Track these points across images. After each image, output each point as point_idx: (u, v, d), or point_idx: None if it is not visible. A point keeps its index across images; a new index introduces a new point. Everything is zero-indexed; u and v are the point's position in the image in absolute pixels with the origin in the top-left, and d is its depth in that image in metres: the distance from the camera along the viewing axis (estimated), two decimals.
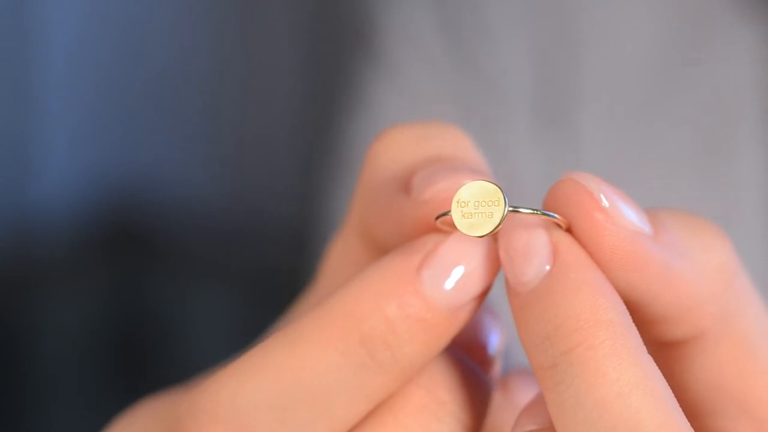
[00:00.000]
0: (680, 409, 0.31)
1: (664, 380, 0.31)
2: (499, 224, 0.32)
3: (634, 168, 0.66)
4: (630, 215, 0.33)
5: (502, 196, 0.32)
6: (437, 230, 0.34)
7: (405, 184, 0.35)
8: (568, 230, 0.33)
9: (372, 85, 0.74)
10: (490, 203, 0.32)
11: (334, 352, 0.32)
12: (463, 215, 0.33)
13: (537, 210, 0.33)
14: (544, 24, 0.69)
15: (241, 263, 1.25)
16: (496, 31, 0.70)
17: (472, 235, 0.32)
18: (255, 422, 0.33)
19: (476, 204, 0.33)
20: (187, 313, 1.20)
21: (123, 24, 1.27)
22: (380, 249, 0.36)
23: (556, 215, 0.33)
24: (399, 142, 0.36)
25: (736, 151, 0.65)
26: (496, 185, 0.33)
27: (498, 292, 0.35)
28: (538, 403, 0.33)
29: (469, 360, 0.35)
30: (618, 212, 0.32)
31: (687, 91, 0.66)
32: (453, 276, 0.33)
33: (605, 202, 0.32)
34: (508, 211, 0.32)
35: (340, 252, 0.38)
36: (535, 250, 0.32)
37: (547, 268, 0.32)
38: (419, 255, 0.33)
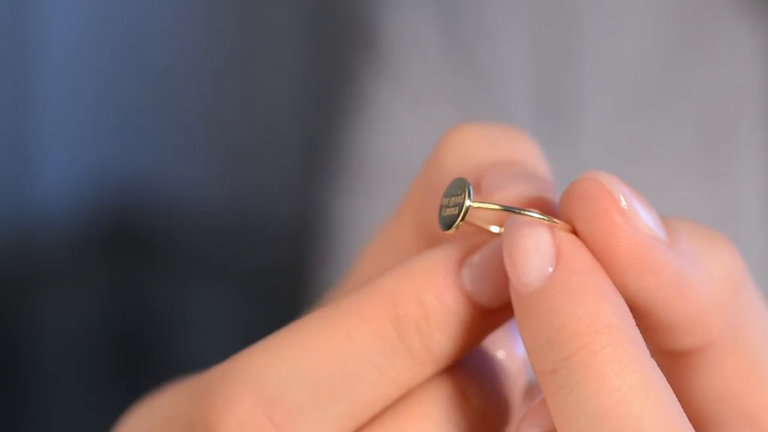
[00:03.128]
0: (685, 416, 0.31)
1: (669, 387, 0.31)
2: (459, 220, 0.32)
3: (634, 168, 0.66)
4: (647, 219, 0.32)
5: (466, 191, 0.32)
6: (485, 231, 0.34)
7: (474, 184, 0.35)
8: (573, 231, 0.33)
9: (372, 85, 0.74)
10: (458, 199, 0.33)
11: (368, 332, 0.33)
12: (442, 211, 0.33)
13: (505, 207, 0.33)
14: (545, 24, 0.69)
15: (241, 263, 1.25)
16: (496, 32, 0.70)
17: (443, 230, 0.33)
18: (284, 394, 0.33)
19: (450, 200, 0.33)
20: (187, 313, 1.20)
21: (123, 24, 1.27)
22: (434, 242, 0.36)
23: (542, 216, 0.32)
24: (469, 141, 0.36)
25: (736, 152, 0.65)
26: (465, 181, 0.33)
27: None
28: (541, 406, 0.33)
29: (499, 358, 0.35)
30: (636, 215, 0.32)
31: (687, 91, 0.66)
32: (493, 275, 0.33)
33: (624, 204, 0.32)
34: (470, 206, 0.32)
35: (386, 240, 0.38)
36: (538, 251, 0.32)
37: (550, 270, 0.32)
38: (463, 250, 0.33)
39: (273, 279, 1.18)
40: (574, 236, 0.32)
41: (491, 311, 0.33)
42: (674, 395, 0.31)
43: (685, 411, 0.31)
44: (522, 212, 0.32)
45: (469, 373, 0.34)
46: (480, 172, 0.35)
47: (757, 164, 0.65)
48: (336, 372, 0.33)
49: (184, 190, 1.28)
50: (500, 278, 0.33)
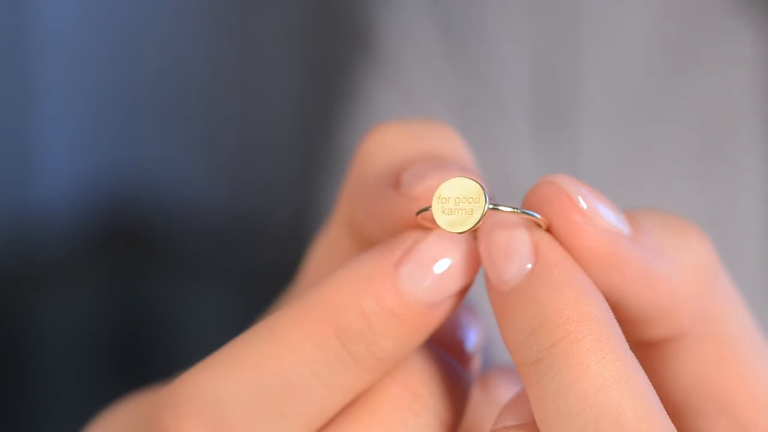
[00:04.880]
0: (661, 404, 0.31)
1: (646, 376, 0.32)
2: (479, 221, 0.32)
3: (633, 170, 0.66)
4: (608, 216, 0.33)
5: (483, 193, 0.33)
6: (425, 228, 0.34)
7: (394, 180, 0.35)
8: (548, 230, 0.33)
9: (370, 86, 0.74)
10: (470, 200, 0.33)
11: (310, 345, 0.33)
12: (443, 211, 0.33)
13: (518, 209, 0.33)
14: (543, 26, 0.69)
15: (241, 263, 1.25)
16: (495, 33, 0.70)
17: (451, 231, 0.33)
18: (232, 414, 0.33)
19: (457, 200, 0.33)
20: (187, 313, 1.20)
21: (122, 24, 1.27)
22: (367, 244, 0.36)
23: (537, 215, 0.33)
24: (390, 138, 0.37)
25: (735, 152, 0.65)
26: (478, 183, 0.33)
27: (478, 290, 0.35)
28: (519, 399, 0.33)
29: (446, 355, 0.35)
30: (596, 214, 0.33)
31: (686, 92, 0.66)
32: (431, 273, 0.33)
33: (583, 204, 0.33)
34: (489, 209, 0.32)
35: (325, 246, 0.38)
36: (517, 249, 0.32)
37: (529, 266, 0.32)
38: (399, 251, 0.34)
39: (273, 279, 1.18)
40: (549, 234, 0.33)
41: (433, 307, 0.33)
42: (651, 384, 0.32)
43: (661, 402, 0.32)
44: (530, 214, 0.33)
45: (416, 371, 0.34)
46: (400, 168, 0.35)
47: (757, 164, 0.65)
48: (281, 387, 0.33)
49: (184, 190, 1.28)
50: (440, 274, 0.33)
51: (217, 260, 1.26)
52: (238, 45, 1.26)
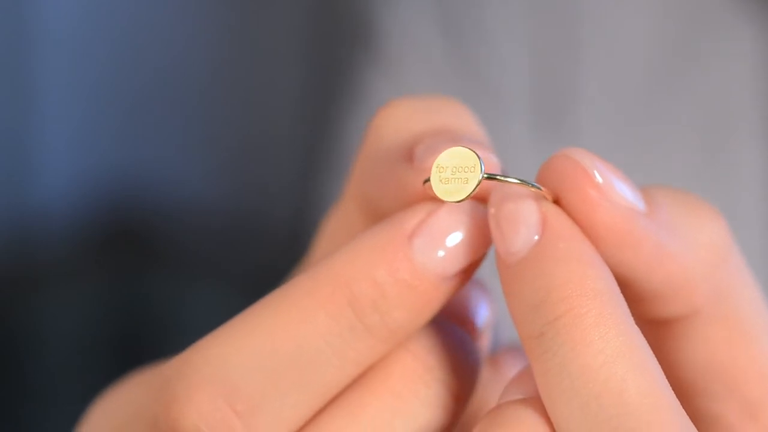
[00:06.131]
0: (666, 380, 0.31)
1: (651, 351, 0.32)
2: (473, 190, 0.33)
3: (632, 168, 0.66)
4: (624, 192, 0.33)
5: (478, 162, 0.33)
6: (435, 199, 0.34)
7: (407, 154, 0.35)
8: (556, 202, 0.33)
9: (371, 85, 0.74)
10: (466, 169, 0.33)
11: (323, 315, 0.33)
12: (440, 180, 0.33)
13: (518, 179, 0.33)
14: (543, 24, 0.69)
15: (241, 263, 1.25)
16: (495, 32, 0.70)
17: (447, 200, 0.33)
18: (244, 383, 0.33)
19: (453, 169, 0.33)
20: (187, 313, 1.20)
21: (122, 24, 1.27)
22: (379, 218, 0.36)
23: (539, 186, 0.33)
24: (402, 114, 0.37)
25: (735, 152, 0.65)
26: (474, 152, 0.33)
27: (488, 269, 0.35)
28: (526, 374, 0.33)
29: (458, 329, 0.35)
30: (612, 189, 0.33)
31: (686, 90, 0.66)
32: (444, 245, 0.33)
33: (599, 179, 0.33)
34: (483, 177, 0.32)
35: (337, 221, 0.38)
36: (525, 220, 0.32)
37: (536, 238, 0.32)
38: (412, 222, 0.34)
39: (273, 279, 1.18)
40: (557, 206, 0.33)
41: (445, 279, 0.33)
42: (656, 360, 0.32)
43: (670, 382, 0.32)
44: (530, 184, 0.33)
45: (428, 345, 0.34)
46: (412, 143, 0.35)
47: (757, 164, 0.65)
48: (294, 357, 0.33)
49: (184, 190, 1.28)
50: (453, 246, 0.33)
51: (217, 260, 1.26)
52: (238, 45, 1.26)
